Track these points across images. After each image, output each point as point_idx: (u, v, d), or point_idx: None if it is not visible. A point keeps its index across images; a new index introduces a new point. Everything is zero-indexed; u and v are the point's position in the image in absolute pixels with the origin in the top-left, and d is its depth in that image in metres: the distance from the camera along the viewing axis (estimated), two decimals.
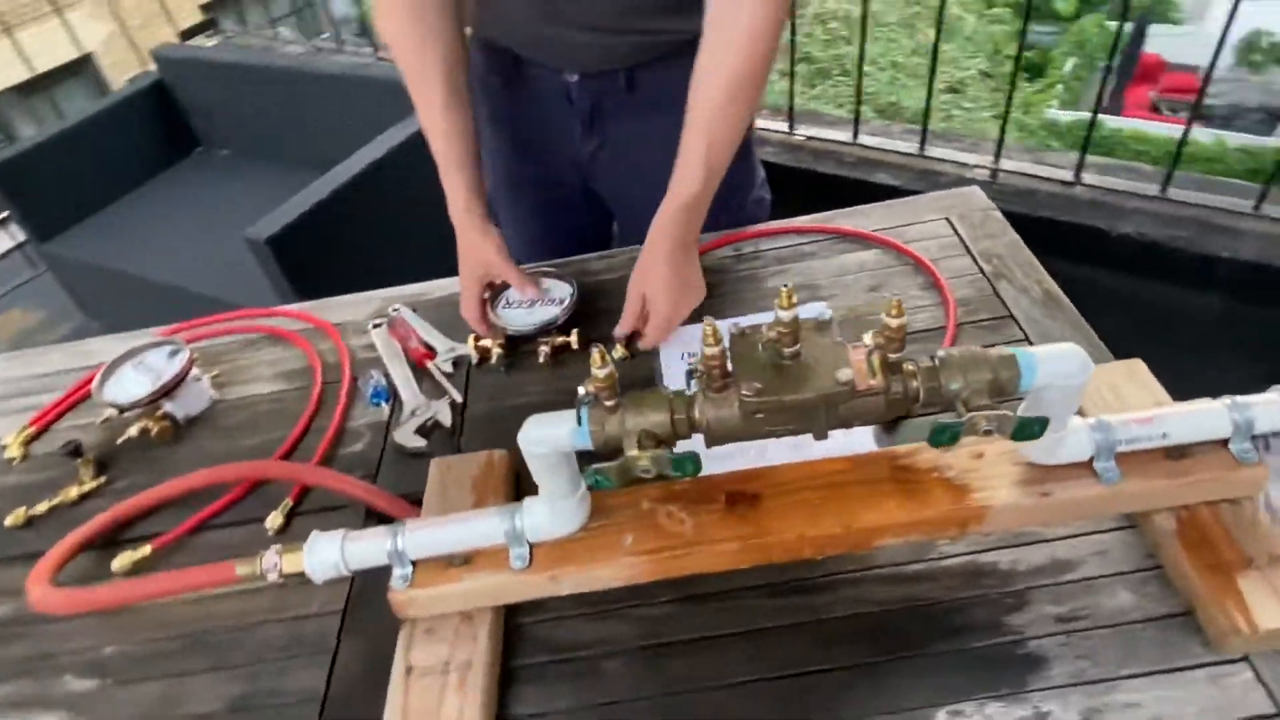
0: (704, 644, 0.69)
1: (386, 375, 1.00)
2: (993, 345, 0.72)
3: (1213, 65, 1.46)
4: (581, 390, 0.60)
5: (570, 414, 0.61)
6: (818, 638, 0.68)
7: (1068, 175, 1.52)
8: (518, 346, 1.00)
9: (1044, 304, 0.93)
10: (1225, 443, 0.66)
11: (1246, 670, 0.61)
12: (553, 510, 0.67)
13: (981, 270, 1.00)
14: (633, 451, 0.57)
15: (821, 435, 0.60)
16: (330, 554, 0.69)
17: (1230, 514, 0.67)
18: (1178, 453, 0.66)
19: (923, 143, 1.63)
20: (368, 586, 0.76)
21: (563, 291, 1.03)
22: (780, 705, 0.64)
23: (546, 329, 0.99)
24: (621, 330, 0.96)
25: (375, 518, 0.83)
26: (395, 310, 1.08)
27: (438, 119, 0.96)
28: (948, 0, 1.64)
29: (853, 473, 0.70)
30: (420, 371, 1.00)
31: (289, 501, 0.86)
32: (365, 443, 0.93)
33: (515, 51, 1.07)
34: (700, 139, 0.87)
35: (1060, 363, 0.58)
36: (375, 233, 1.83)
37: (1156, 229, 1.41)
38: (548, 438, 0.61)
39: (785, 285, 0.54)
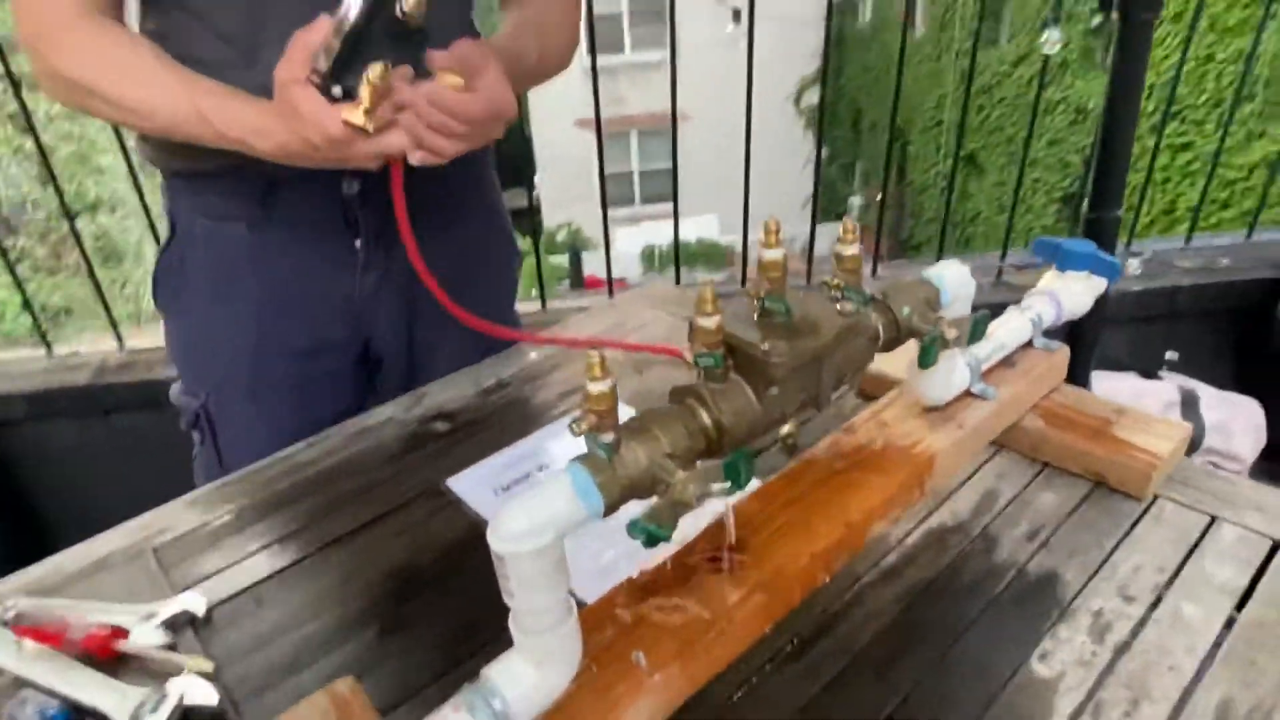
0: None
1: (50, 692, 0.60)
2: None
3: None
4: (577, 426, 0.43)
5: (555, 479, 0.43)
6: (870, 670, 0.56)
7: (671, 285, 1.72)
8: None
9: None
10: (1029, 344, 0.76)
11: (1166, 504, 0.68)
12: (542, 658, 0.45)
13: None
14: (678, 475, 0.42)
15: (826, 402, 0.52)
16: None
17: (1062, 398, 0.76)
18: (1009, 363, 0.74)
19: (543, 302, 1.71)
20: None
21: None
22: None
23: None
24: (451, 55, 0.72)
25: None
26: (9, 610, 0.68)
27: (154, 66, 0.75)
28: None
29: (801, 481, 0.62)
30: (109, 663, 0.63)
31: None
32: None
33: (272, 173, 0.82)
34: (535, 40, 0.86)
35: (956, 273, 0.62)
36: None
37: None
38: (546, 518, 0.42)
39: (769, 220, 0.47)
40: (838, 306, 0.51)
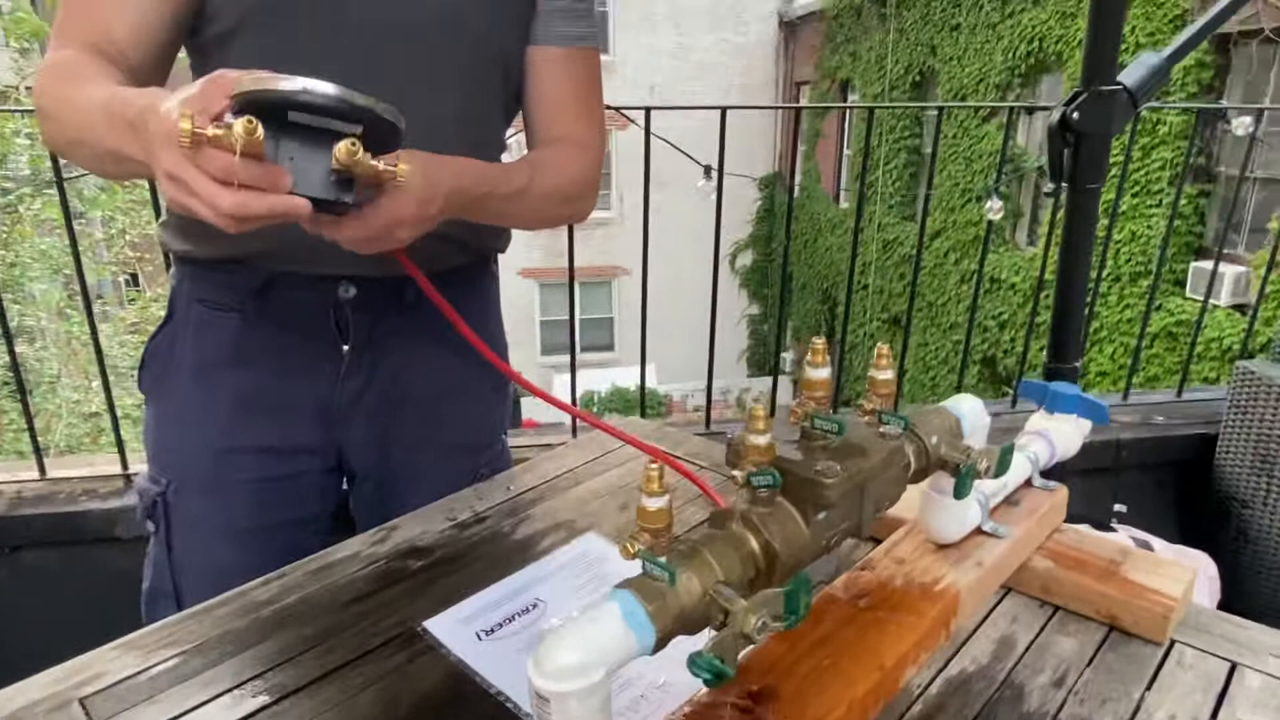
0: None
1: None
2: None
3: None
4: (630, 545, 0.39)
5: (601, 608, 0.39)
6: None
7: None
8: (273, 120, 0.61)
9: None
10: (1028, 483, 0.76)
11: (1185, 649, 0.66)
12: None
13: (699, 465, 1.01)
14: (739, 604, 0.39)
15: (868, 529, 0.50)
16: None
17: (1065, 538, 0.75)
18: (1012, 502, 0.74)
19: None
20: None
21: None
22: None
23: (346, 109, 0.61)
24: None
25: None
26: None
27: (103, 89, 0.70)
28: None
29: (825, 621, 0.59)
30: None
31: None
32: None
33: (272, 267, 0.86)
34: (526, 171, 0.86)
35: (972, 405, 0.62)
36: None
37: None
38: (597, 652, 0.37)
39: (816, 342, 0.47)
40: (880, 430, 0.50)
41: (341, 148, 0.61)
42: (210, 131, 0.57)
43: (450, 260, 0.92)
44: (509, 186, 0.85)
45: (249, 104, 0.60)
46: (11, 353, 1.54)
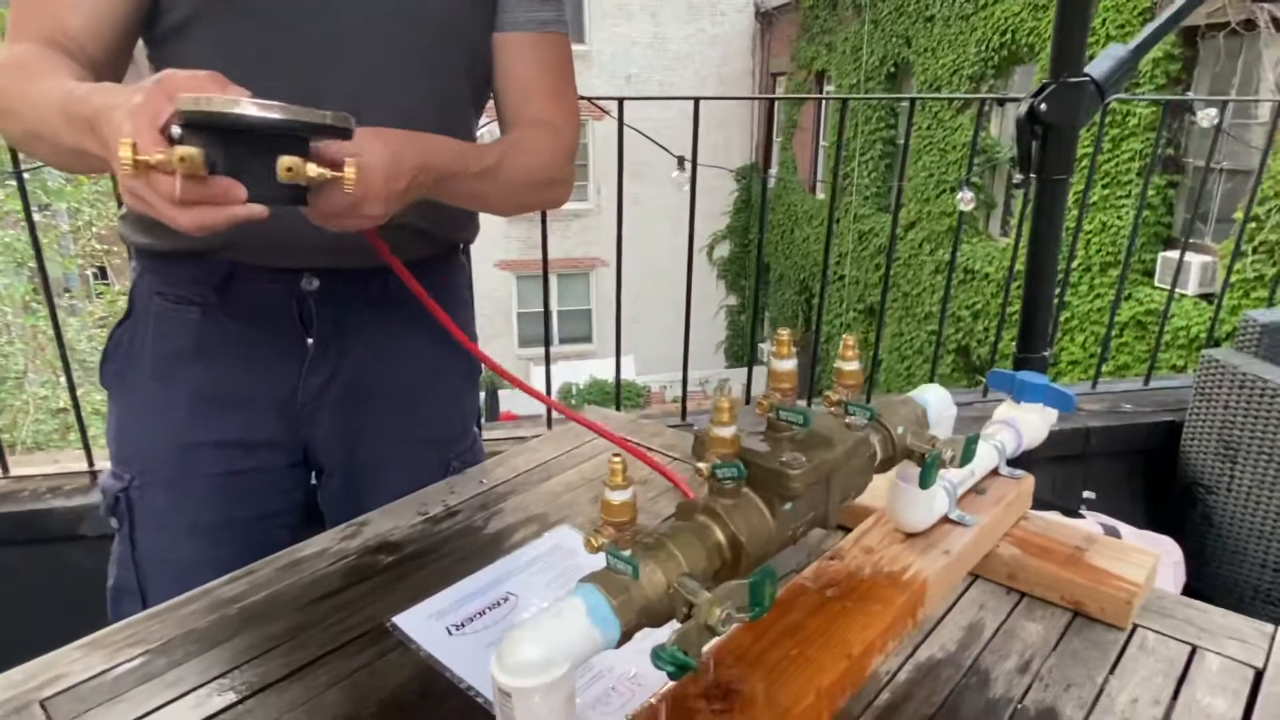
0: None
1: None
2: None
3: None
4: (594, 539, 0.39)
5: (565, 602, 0.39)
6: None
7: None
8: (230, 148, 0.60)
9: None
10: (995, 472, 0.77)
11: (1147, 634, 0.68)
12: None
13: (670, 457, 1.01)
14: (703, 596, 0.39)
15: (834, 519, 0.50)
16: None
17: (1032, 525, 0.76)
18: (978, 490, 0.75)
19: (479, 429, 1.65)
20: None
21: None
22: None
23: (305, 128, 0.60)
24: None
25: None
26: None
27: (60, 85, 0.67)
28: None
29: (794, 610, 0.59)
30: None
31: None
32: None
33: (233, 260, 0.85)
34: (499, 150, 0.84)
35: (938, 395, 0.62)
36: None
37: None
38: (561, 647, 0.37)
39: (780, 330, 0.47)
40: (846, 421, 0.50)
41: (281, 166, 0.60)
42: (153, 158, 0.56)
43: (416, 251, 0.91)
44: (480, 165, 0.83)
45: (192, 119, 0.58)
46: None
